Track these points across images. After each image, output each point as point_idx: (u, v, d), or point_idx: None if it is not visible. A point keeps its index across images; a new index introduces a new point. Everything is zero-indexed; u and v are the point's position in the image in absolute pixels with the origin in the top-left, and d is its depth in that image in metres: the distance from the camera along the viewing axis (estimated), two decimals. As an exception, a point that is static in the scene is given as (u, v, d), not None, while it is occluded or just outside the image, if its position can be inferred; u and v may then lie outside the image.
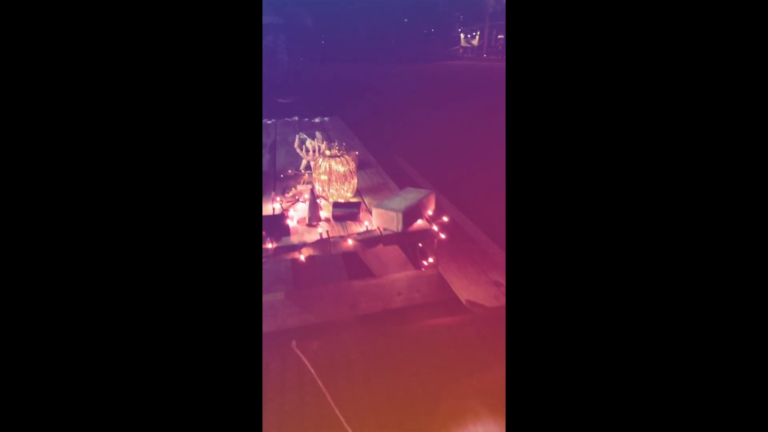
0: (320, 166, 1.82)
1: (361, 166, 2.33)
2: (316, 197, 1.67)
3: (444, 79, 9.42)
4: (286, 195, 1.95)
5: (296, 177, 2.25)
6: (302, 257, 1.51)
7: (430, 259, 1.81)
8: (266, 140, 3.02)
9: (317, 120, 3.63)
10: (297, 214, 1.76)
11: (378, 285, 1.86)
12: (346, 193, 1.85)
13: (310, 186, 2.05)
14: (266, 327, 1.68)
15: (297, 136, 2.34)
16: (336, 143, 1.91)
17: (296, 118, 3.67)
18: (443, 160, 3.55)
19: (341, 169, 1.80)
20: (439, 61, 14.91)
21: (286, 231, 1.58)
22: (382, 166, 2.48)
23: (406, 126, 4.68)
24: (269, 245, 1.49)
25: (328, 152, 1.86)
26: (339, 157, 1.81)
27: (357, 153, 2.36)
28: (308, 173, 2.29)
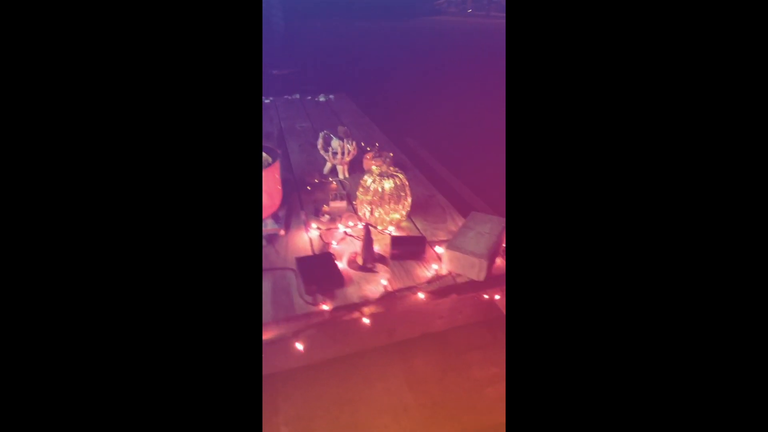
0: (369, 187, 1.47)
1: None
2: (369, 229, 1.34)
3: (436, 38, 8.73)
4: (321, 218, 1.60)
5: (323, 186, 1.88)
6: (366, 320, 1.21)
7: (496, 296, 1.55)
8: (270, 128, 2.58)
9: (322, 98, 3.17)
10: (342, 248, 1.43)
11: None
12: (394, 214, 1.52)
13: (344, 202, 1.70)
14: (294, 362, 1.41)
15: (320, 134, 1.95)
16: (386, 158, 1.55)
17: (297, 95, 3.19)
18: (459, 142, 3.20)
19: (390, 185, 1.46)
20: (424, 16, 14.07)
21: (339, 280, 1.26)
22: (393, 151, 2.13)
23: (408, 97, 4.25)
24: (324, 306, 1.18)
25: (375, 168, 1.51)
26: (394, 176, 1.47)
27: (392, 155, 2.00)
28: (336, 181, 1.93)
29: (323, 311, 1.17)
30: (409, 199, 1.52)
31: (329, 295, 1.22)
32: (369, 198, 1.48)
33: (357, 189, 1.56)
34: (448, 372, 1.36)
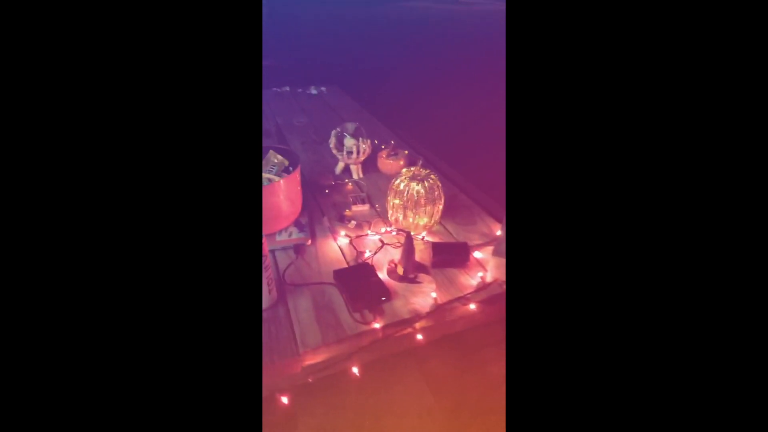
0: (403, 191, 1.38)
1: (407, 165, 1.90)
2: (411, 236, 1.26)
3: (410, 25, 8.55)
4: (348, 224, 1.51)
5: (339, 188, 1.78)
6: (420, 336, 1.14)
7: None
8: (266, 125, 2.42)
9: (314, 91, 3.02)
10: (376, 257, 1.35)
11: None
12: (425, 218, 1.45)
13: (367, 205, 1.61)
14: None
15: (333, 133, 1.84)
16: (418, 161, 1.46)
17: (287, 88, 3.02)
18: (453, 134, 3.15)
19: (424, 187, 1.38)
20: (394, 2, 13.88)
21: (385, 293, 1.18)
22: (403, 148, 2.03)
23: (394, 87, 4.13)
24: (376, 324, 1.10)
25: (405, 170, 1.42)
26: (425, 179, 1.39)
27: (407, 152, 1.92)
28: (351, 182, 1.82)
29: (375, 330, 1.09)
30: (442, 201, 1.45)
31: (377, 311, 1.14)
32: (399, 202, 1.40)
33: (386, 191, 1.47)
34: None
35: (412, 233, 1.45)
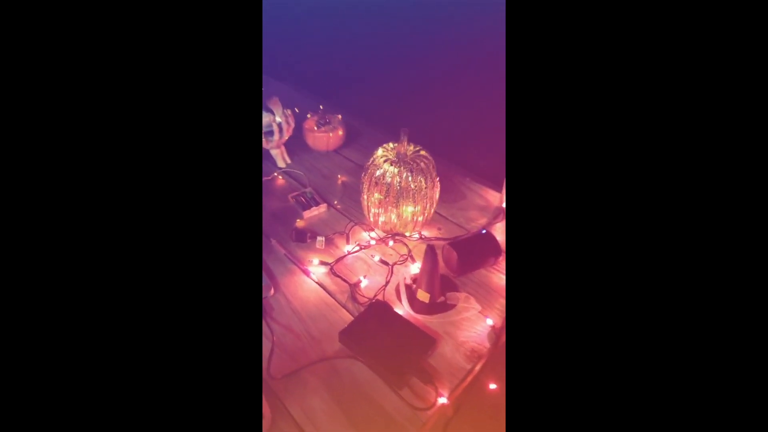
0: (391, 182, 0.96)
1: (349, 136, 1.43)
2: (435, 259, 0.88)
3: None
4: (316, 243, 1.03)
5: (270, 188, 1.24)
6: (493, 386, 0.82)
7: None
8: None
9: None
10: (374, 281, 0.94)
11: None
12: (412, 208, 1.07)
13: (323, 205, 1.15)
14: None
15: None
16: (407, 139, 1.01)
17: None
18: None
19: (421, 180, 0.99)
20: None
21: (427, 341, 0.81)
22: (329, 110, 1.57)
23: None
24: (442, 398, 0.74)
25: (381, 151, 0.99)
26: (417, 160, 0.98)
27: (340, 117, 1.43)
28: (280, 173, 1.30)
29: (443, 406, 0.74)
30: (438, 189, 1.06)
31: (432, 374, 0.77)
32: (380, 197, 0.98)
33: (334, 178, 1.02)
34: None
35: (406, 233, 1.06)
